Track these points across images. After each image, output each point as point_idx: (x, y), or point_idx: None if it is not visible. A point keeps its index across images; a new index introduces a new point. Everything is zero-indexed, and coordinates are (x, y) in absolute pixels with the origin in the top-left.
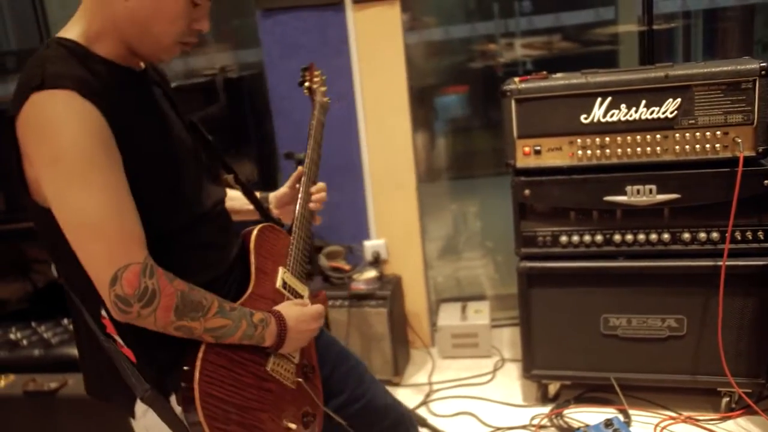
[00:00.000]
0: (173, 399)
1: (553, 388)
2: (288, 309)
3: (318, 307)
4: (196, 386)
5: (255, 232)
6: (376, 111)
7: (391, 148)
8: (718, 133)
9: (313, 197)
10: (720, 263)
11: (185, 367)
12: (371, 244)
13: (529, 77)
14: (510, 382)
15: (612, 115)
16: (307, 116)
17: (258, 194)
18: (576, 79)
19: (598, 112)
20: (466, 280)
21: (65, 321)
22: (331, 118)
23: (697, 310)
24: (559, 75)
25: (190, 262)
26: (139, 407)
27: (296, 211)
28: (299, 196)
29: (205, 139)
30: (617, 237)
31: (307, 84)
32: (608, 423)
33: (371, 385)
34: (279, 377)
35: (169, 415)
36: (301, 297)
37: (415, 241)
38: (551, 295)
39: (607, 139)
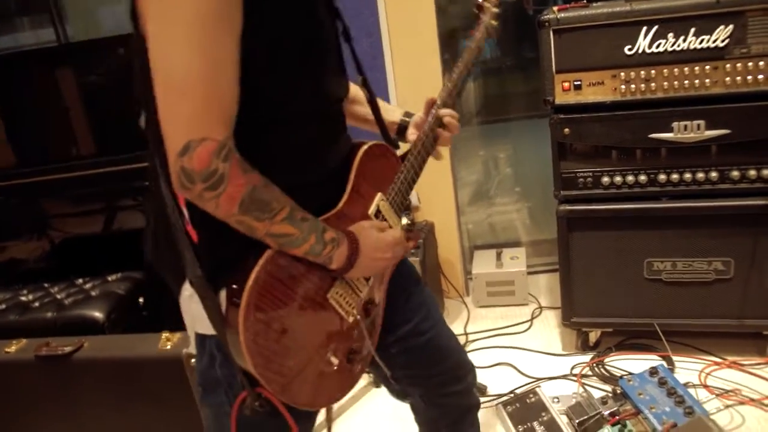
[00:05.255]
0: (222, 294)
1: (593, 335)
2: (364, 232)
3: (396, 233)
4: (245, 293)
5: (364, 148)
6: (404, 50)
7: (421, 90)
8: None
9: (445, 120)
10: None
11: (241, 271)
12: None
13: (568, 6)
14: (548, 330)
15: (658, 46)
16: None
17: (403, 111)
18: (619, 6)
19: (643, 43)
20: (500, 225)
21: (80, 281)
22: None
23: (745, 252)
24: (600, 3)
25: (284, 159)
26: (186, 289)
27: (416, 140)
28: (425, 124)
29: (345, 28)
30: (662, 177)
31: (480, 0)
32: (653, 371)
33: (438, 323)
34: (337, 307)
35: (213, 308)
36: None
37: (447, 187)
38: (592, 239)
39: (653, 71)
